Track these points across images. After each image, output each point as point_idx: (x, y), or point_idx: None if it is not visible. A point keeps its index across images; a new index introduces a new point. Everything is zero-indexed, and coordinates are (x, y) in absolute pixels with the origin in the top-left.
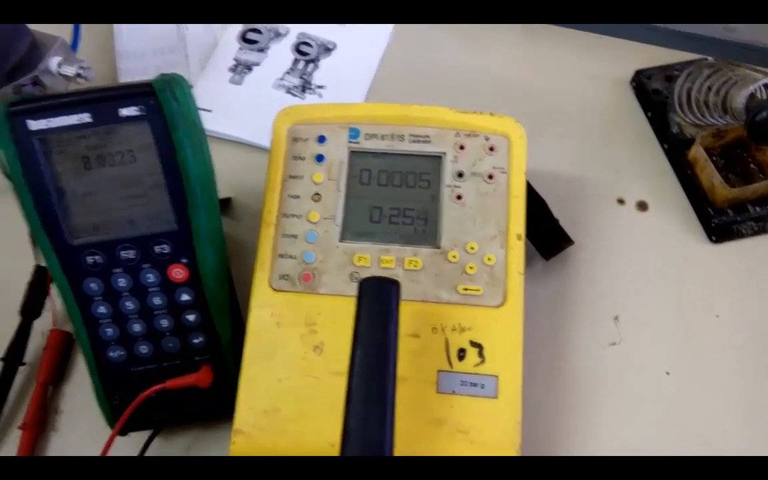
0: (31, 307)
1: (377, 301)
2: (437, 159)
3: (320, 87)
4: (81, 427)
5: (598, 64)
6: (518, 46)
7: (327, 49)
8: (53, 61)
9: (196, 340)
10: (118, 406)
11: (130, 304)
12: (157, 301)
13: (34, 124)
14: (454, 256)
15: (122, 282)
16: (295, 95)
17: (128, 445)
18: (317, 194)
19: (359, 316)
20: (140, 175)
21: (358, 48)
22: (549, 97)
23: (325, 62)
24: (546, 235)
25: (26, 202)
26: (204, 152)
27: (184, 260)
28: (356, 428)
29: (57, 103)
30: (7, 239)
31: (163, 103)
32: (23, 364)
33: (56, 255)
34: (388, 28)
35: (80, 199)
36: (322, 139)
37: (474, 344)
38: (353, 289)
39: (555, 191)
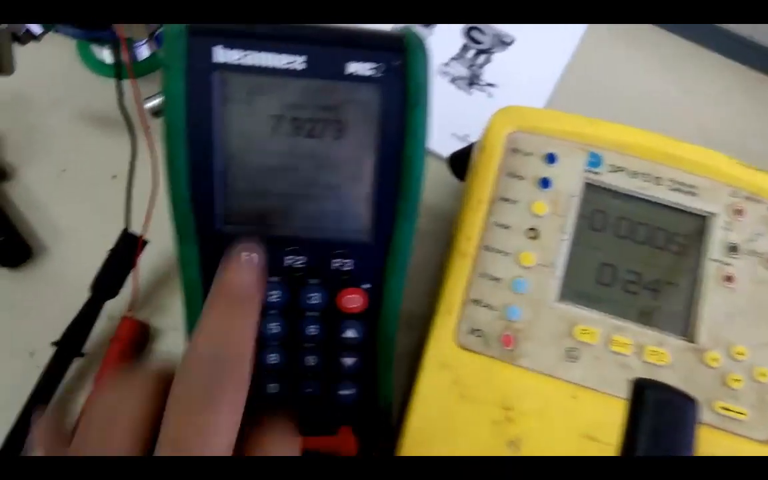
0: (107, 282)
1: (667, 426)
2: (702, 220)
3: (490, 85)
4: None
5: None
6: (729, 87)
7: (503, 41)
8: None
9: (344, 392)
10: None
11: (273, 327)
12: (311, 330)
13: (222, 54)
14: (714, 359)
15: (274, 296)
16: (460, 88)
17: None
18: (534, 230)
19: (633, 439)
20: (343, 159)
21: (540, 47)
22: (760, 155)
23: (499, 56)
24: None
25: (178, 157)
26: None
27: (365, 286)
28: None
29: (261, 34)
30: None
31: (411, 68)
32: (82, 355)
33: (197, 239)
34: (581, 27)
35: (252, 172)
36: (551, 158)
37: None
38: (567, 371)
39: None
